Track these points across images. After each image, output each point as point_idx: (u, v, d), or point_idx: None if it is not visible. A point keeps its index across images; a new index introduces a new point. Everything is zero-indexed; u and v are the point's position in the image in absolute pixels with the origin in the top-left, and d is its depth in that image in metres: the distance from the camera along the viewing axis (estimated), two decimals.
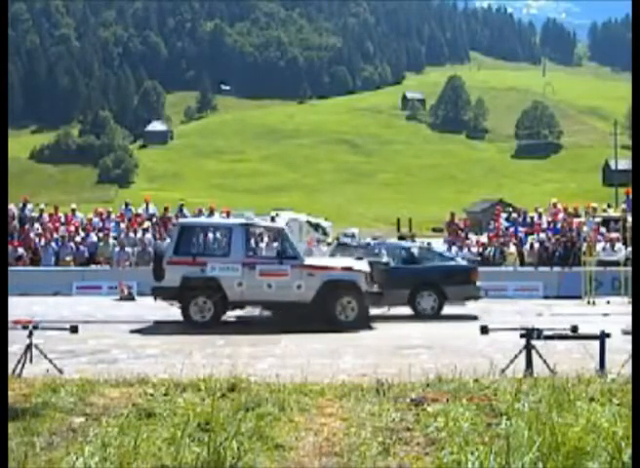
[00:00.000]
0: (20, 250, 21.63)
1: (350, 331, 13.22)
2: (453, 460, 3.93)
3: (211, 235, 15.65)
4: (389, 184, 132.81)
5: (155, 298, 14.57)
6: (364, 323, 13.94)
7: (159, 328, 13.90)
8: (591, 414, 4.68)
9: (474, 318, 15.03)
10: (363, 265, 14.47)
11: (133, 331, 13.25)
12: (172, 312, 15.53)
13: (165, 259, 14.07)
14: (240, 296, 13.92)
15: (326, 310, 13.85)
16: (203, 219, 15.54)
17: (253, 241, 15.15)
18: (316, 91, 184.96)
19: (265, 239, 15.23)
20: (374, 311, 14.96)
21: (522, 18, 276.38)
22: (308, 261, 14.15)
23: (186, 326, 13.74)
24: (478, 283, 16.54)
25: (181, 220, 15.84)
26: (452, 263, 17.04)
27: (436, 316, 15.49)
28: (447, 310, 15.97)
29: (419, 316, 15.43)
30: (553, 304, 17.86)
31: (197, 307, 13.84)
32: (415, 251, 17.02)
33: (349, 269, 14.19)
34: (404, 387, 6.28)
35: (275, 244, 14.58)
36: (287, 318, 14.30)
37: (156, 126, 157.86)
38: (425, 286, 15.82)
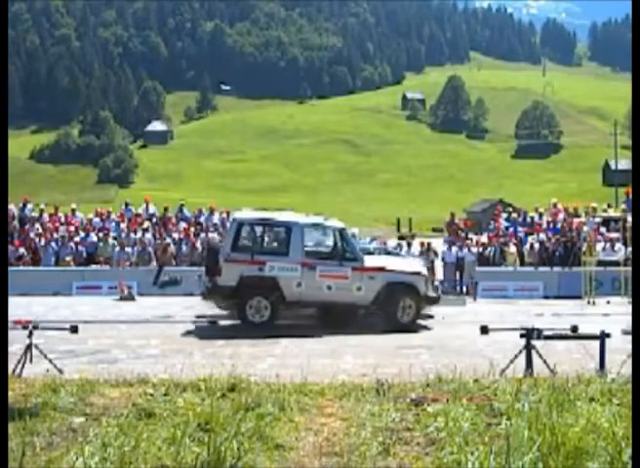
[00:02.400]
0: (22, 249, 21.62)
1: (352, 332, 13.20)
2: (453, 460, 3.93)
3: (268, 233, 14.83)
4: (389, 184, 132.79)
5: (206, 298, 14.35)
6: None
7: (216, 330, 13.60)
8: (591, 414, 4.68)
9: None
10: (422, 268, 14.55)
11: (185, 335, 12.88)
12: (172, 311, 15.54)
13: (222, 257, 13.61)
14: (298, 297, 13.63)
15: (387, 312, 13.81)
16: (261, 216, 14.43)
17: (311, 240, 14.60)
18: (316, 91, 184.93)
19: (323, 239, 14.76)
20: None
21: (522, 18, 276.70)
22: (368, 263, 13.94)
23: (243, 327, 13.40)
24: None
25: (238, 216, 14.53)
26: None
27: None
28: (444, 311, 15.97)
29: None
30: (553, 304, 17.87)
31: (254, 308, 13.44)
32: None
33: (409, 272, 14.17)
34: (404, 387, 6.28)
35: (333, 244, 14.24)
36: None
37: (156, 126, 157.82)
38: None
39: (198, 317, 14.69)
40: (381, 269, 13.95)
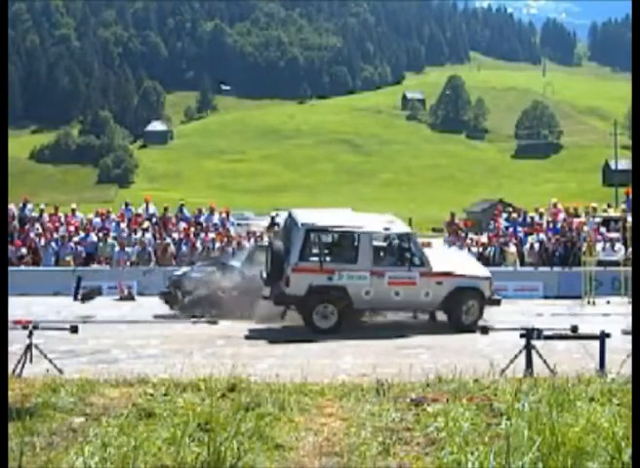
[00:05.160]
0: (23, 249, 21.63)
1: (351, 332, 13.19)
2: (453, 460, 3.93)
3: (336, 240, 14.39)
4: (389, 184, 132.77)
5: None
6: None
7: (280, 334, 13.32)
8: (591, 414, 4.68)
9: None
10: (485, 271, 14.73)
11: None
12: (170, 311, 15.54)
13: (290, 266, 13.29)
14: (366, 304, 13.61)
15: (451, 313, 13.90)
16: (328, 223, 13.99)
17: (378, 247, 14.25)
18: (316, 91, 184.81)
19: (390, 244, 14.62)
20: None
21: (522, 18, 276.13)
22: (436, 267, 13.80)
23: (309, 331, 13.21)
24: None
25: (305, 222, 13.72)
26: None
27: None
28: None
29: None
30: (553, 304, 17.85)
31: (320, 313, 13.28)
32: None
33: (476, 277, 14.24)
34: (404, 387, 6.28)
35: (401, 249, 14.09)
36: None
37: (156, 126, 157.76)
38: None
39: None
40: (449, 274, 13.91)
